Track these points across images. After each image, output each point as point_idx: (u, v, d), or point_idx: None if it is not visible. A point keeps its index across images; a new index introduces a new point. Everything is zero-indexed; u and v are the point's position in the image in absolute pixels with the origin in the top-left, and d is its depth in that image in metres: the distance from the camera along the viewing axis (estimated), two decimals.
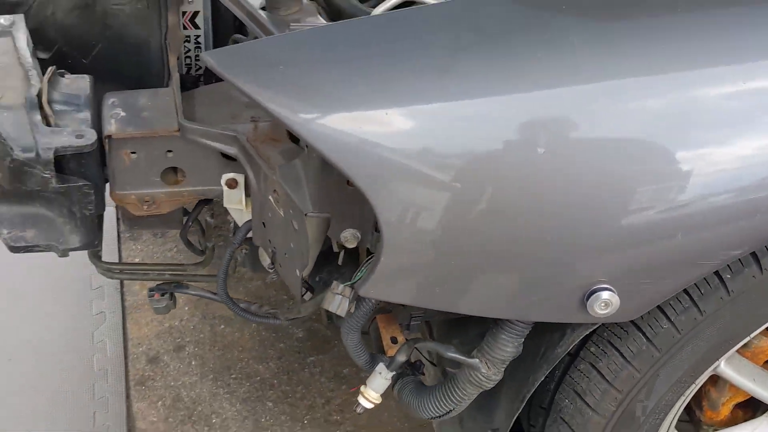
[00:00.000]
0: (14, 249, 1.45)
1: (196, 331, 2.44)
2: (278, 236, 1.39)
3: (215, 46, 1.68)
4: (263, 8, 1.26)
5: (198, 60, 1.69)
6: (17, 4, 1.59)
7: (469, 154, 1.09)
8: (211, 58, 1.14)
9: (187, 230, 1.72)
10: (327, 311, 1.67)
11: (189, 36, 1.67)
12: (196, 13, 1.63)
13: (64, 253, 1.48)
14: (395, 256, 1.11)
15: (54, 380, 2.25)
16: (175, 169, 1.50)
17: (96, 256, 1.76)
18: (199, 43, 1.67)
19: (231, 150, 1.41)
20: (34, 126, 1.36)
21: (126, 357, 2.34)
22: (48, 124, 1.38)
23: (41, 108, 1.39)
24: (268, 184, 1.36)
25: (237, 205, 1.54)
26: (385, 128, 1.09)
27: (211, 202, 1.65)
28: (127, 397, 2.25)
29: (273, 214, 1.38)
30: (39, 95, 1.40)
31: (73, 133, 1.37)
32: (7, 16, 1.54)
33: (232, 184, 1.50)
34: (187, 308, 2.49)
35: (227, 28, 1.69)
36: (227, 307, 1.64)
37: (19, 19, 1.54)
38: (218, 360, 2.37)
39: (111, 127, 1.43)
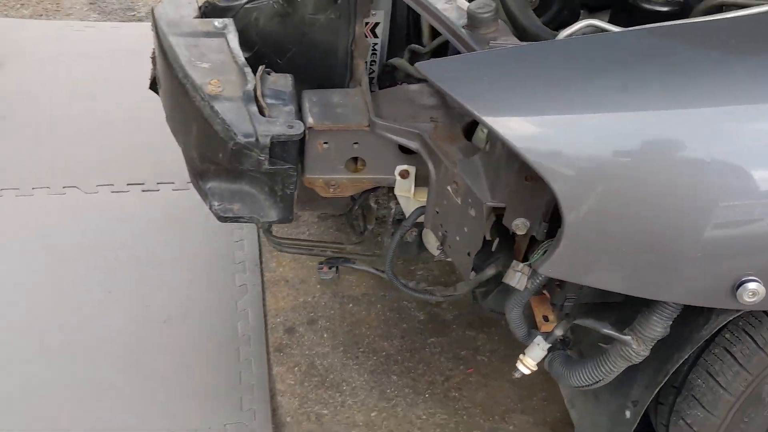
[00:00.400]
0: (222, 219, 1.70)
1: (327, 308, 2.68)
2: (452, 222, 1.60)
3: (389, 54, 1.91)
4: (465, 27, 1.48)
5: (373, 65, 1.92)
6: (227, 9, 1.84)
7: (643, 157, 1.29)
8: (423, 69, 1.37)
9: (353, 213, 1.95)
10: (474, 292, 1.90)
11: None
12: (376, 24, 1.85)
13: (263, 225, 1.73)
14: (574, 240, 1.31)
15: (204, 341, 2.51)
16: (355, 159, 1.73)
17: (268, 231, 2.01)
18: (376, 50, 1.90)
19: (413, 145, 1.63)
20: (253, 116, 1.61)
21: (266, 326, 2.59)
22: (263, 115, 1.62)
23: (256, 100, 1.64)
24: (448, 176, 1.57)
25: (406, 193, 1.76)
26: (568, 132, 1.30)
27: (376, 190, 1.88)
28: (268, 361, 2.50)
29: (449, 202, 1.59)
30: (254, 89, 1.65)
31: (284, 123, 1.61)
32: (221, 20, 1.80)
33: (404, 174, 1.73)
34: (318, 286, 2.73)
35: (401, 38, 1.92)
36: (390, 281, 1.86)
37: (230, 22, 1.80)
38: (347, 335, 2.61)
39: (311, 119, 1.66)
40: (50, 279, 2.61)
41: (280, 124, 1.61)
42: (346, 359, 2.54)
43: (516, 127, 1.30)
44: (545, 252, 1.40)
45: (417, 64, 1.36)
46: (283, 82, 1.72)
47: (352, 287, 2.74)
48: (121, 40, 3.63)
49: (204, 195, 1.72)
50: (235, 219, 1.70)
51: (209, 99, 1.62)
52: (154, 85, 1.99)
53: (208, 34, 1.77)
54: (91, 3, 3.88)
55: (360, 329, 2.63)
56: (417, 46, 1.86)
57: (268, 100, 1.66)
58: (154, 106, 3.22)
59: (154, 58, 1.93)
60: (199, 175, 1.72)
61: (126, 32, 3.69)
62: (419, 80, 1.82)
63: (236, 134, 1.58)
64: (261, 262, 2.79)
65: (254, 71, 1.70)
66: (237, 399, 2.37)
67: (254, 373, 2.45)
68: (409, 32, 1.95)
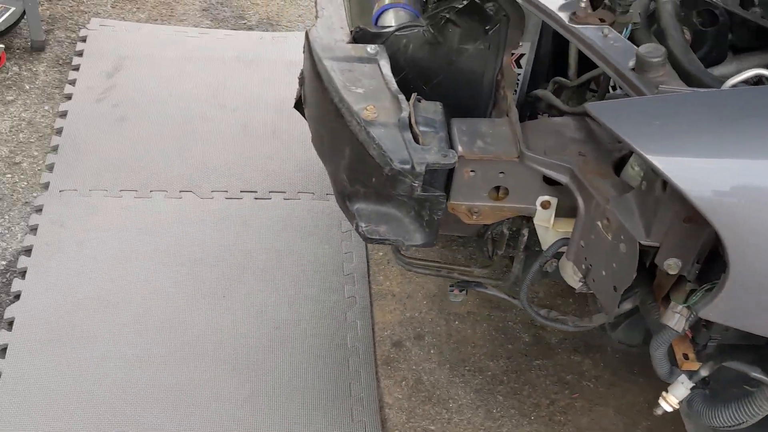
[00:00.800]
0: (368, 240, 1.75)
1: (433, 324, 2.72)
2: (599, 256, 1.63)
3: (531, 86, 1.95)
4: (633, 69, 1.51)
5: (514, 95, 1.96)
6: (377, 35, 1.90)
7: None
8: (593, 110, 1.40)
9: (485, 238, 1.99)
10: (602, 324, 1.92)
11: None
12: (521, 56, 1.89)
13: (407, 249, 1.77)
14: (738, 286, 1.33)
15: (314, 350, 2.57)
16: (497, 187, 1.77)
17: (397, 251, 2.06)
18: (518, 81, 1.94)
19: (563, 178, 1.66)
20: (408, 143, 1.66)
21: (374, 338, 2.65)
22: (417, 142, 1.67)
23: (411, 128, 1.69)
24: (599, 212, 1.60)
25: (545, 223, 1.80)
26: (738, 177, 1.32)
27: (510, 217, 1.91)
28: (376, 373, 2.55)
29: (597, 237, 1.62)
30: (409, 117, 1.70)
31: (438, 151, 1.66)
32: (373, 46, 1.86)
33: (546, 205, 1.77)
34: (424, 302, 2.78)
35: (542, 70, 1.96)
36: (523, 308, 1.89)
37: (382, 49, 1.86)
38: (453, 352, 2.64)
39: (461, 148, 1.70)
40: (165, 281, 2.70)
41: (434, 153, 1.65)
42: (453, 376, 2.58)
43: (685, 171, 1.32)
44: (704, 295, 1.42)
45: (587, 105, 1.40)
46: (433, 109, 1.76)
47: (458, 305, 2.77)
48: (233, 47, 3.73)
49: (351, 216, 1.77)
50: (381, 241, 1.75)
51: (365, 124, 1.68)
52: (299, 105, 2.06)
53: (361, 60, 1.83)
54: (204, 10, 3.99)
55: (466, 347, 2.67)
56: (562, 79, 1.90)
57: (421, 128, 1.70)
58: (266, 116, 3.34)
59: (302, 79, 1.99)
60: (347, 196, 1.77)
61: (237, 40, 3.79)
62: (562, 113, 1.85)
63: (392, 160, 1.63)
64: (369, 275, 2.84)
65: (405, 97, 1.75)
66: (348, 409, 2.42)
67: (363, 384, 2.50)
68: (551, 65, 1.98)
